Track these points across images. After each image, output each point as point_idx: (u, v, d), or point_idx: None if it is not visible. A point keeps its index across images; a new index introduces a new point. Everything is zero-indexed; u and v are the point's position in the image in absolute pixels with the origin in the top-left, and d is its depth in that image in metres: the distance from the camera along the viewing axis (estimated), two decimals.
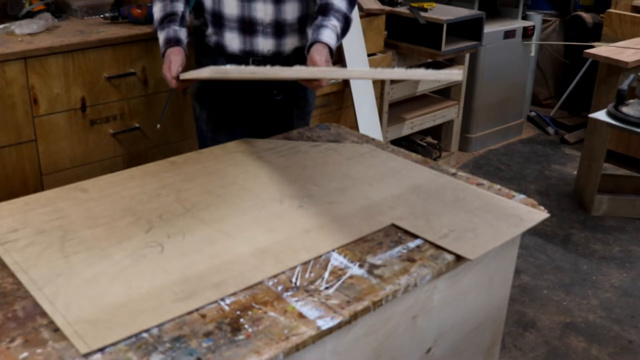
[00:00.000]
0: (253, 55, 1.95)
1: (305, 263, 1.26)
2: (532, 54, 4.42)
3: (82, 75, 2.30)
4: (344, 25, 1.90)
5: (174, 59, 1.76)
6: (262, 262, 1.25)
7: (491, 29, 3.95)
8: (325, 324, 1.09)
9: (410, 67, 3.58)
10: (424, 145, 3.75)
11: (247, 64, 1.94)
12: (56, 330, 1.05)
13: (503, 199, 1.54)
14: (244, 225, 1.38)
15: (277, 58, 1.95)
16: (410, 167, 1.70)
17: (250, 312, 1.11)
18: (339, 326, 1.11)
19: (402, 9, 3.47)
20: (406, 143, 3.72)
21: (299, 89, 2.07)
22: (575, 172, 3.79)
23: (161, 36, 1.84)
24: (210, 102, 2.07)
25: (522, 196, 1.56)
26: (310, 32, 1.89)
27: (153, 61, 2.44)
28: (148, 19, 2.42)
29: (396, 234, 1.38)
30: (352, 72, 1.88)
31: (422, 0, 3.63)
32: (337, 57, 3.07)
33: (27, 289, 1.16)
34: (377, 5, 3.22)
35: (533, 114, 4.74)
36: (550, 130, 4.59)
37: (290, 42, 1.95)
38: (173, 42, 1.81)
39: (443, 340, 1.42)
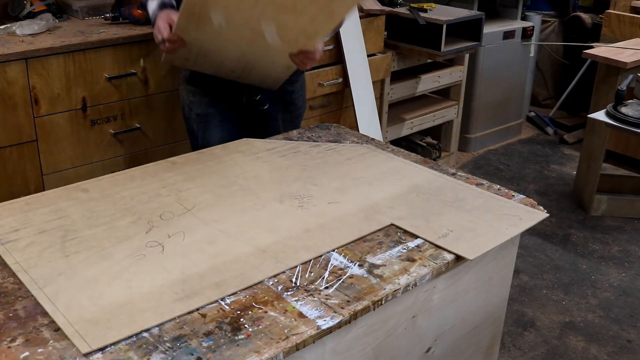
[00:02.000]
0: None
1: (305, 263, 1.26)
2: (532, 54, 4.43)
3: (83, 75, 2.31)
4: None
5: (163, 23, 1.75)
6: (262, 262, 1.25)
7: (490, 29, 3.95)
8: (325, 323, 1.09)
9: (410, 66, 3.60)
10: (424, 146, 3.75)
11: None
12: (57, 329, 1.06)
13: (502, 199, 1.54)
14: (244, 225, 1.39)
15: None
16: (410, 167, 1.70)
17: (250, 312, 1.11)
18: (338, 326, 1.11)
19: (402, 10, 3.48)
20: (406, 143, 3.72)
21: (285, 94, 2.07)
22: (575, 172, 3.79)
23: (152, 5, 1.83)
24: (199, 101, 2.06)
25: (522, 196, 1.57)
26: None
27: (153, 61, 2.44)
28: (148, 19, 2.42)
29: (396, 233, 1.38)
30: None
31: (422, 0, 3.64)
32: (337, 57, 3.08)
33: (28, 288, 1.16)
34: (377, 6, 3.23)
35: (532, 114, 4.75)
36: (550, 130, 4.60)
37: None
38: (163, 6, 1.80)
39: (443, 339, 1.42)
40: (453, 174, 1.68)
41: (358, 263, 1.27)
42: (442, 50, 3.34)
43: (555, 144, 4.44)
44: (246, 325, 1.08)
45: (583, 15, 4.56)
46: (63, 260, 1.24)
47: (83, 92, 2.33)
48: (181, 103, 2.14)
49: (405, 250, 1.32)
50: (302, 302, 1.14)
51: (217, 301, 1.14)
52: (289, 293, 1.17)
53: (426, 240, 1.35)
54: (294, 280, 1.21)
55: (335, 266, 1.26)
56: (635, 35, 3.79)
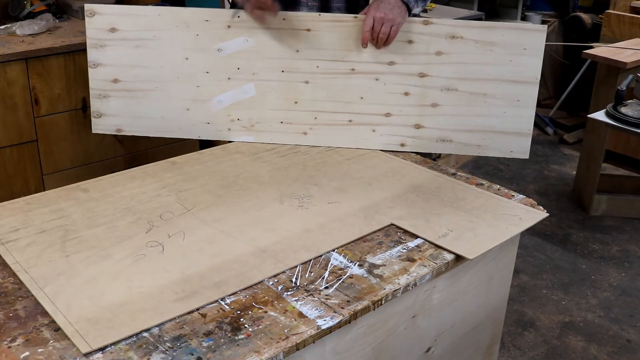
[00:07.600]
0: None
1: (305, 263, 1.26)
2: None
3: (83, 75, 2.31)
4: None
5: None
6: (262, 261, 1.26)
7: None
8: (325, 323, 1.09)
9: None
10: None
11: None
12: (57, 329, 1.06)
13: (502, 199, 1.54)
14: (244, 225, 1.39)
15: None
16: (410, 167, 1.70)
17: (250, 312, 1.12)
18: (338, 325, 1.11)
19: None
20: None
21: None
22: (574, 172, 3.79)
23: None
24: None
25: (521, 196, 1.57)
26: None
27: None
28: None
29: (396, 233, 1.39)
30: None
31: None
32: None
33: (28, 288, 1.16)
34: None
35: None
36: (549, 130, 4.60)
37: None
38: None
39: (442, 339, 1.42)
40: (453, 174, 1.68)
41: (358, 263, 1.27)
42: None
43: (555, 144, 4.44)
44: (246, 325, 1.08)
45: (583, 15, 4.57)
46: (63, 260, 1.25)
47: (83, 92, 2.33)
48: None
49: (405, 250, 1.32)
50: (302, 302, 1.14)
51: (217, 301, 1.14)
52: (289, 293, 1.17)
53: (426, 240, 1.36)
54: (294, 280, 1.21)
55: (335, 266, 1.26)
56: (635, 35, 3.79)
